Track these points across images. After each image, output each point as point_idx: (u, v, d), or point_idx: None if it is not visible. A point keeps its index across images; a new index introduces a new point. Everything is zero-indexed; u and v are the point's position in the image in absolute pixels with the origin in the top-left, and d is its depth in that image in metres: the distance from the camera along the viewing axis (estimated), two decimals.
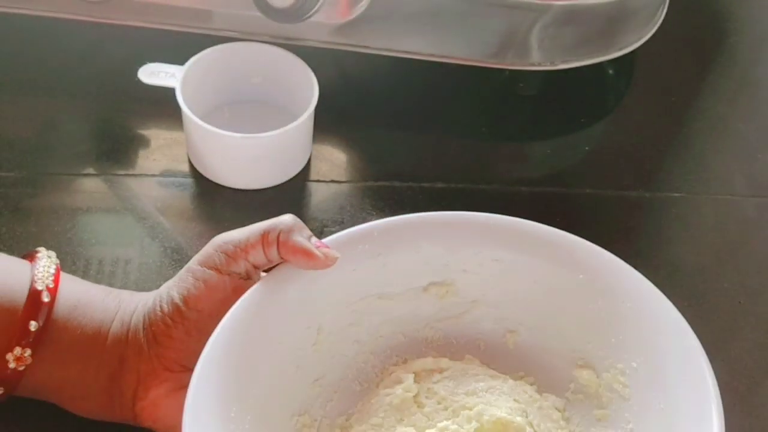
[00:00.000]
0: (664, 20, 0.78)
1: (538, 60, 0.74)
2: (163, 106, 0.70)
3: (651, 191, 0.73)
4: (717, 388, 0.50)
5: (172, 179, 0.71)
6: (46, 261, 0.55)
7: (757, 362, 0.63)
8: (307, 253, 0.53)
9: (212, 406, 0.49)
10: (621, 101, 0.82)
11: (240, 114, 0.74)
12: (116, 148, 0.72)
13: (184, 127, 0.71)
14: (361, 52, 0.74)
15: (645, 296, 0.54)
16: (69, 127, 0.74)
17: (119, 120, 0.75)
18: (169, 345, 0.53)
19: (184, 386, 0.51)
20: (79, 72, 0.77)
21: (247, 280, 0.54)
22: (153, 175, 0.71)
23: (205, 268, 0.53)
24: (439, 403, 0.55)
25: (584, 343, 0.56)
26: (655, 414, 0.52)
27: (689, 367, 0.51)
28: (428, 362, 0.58)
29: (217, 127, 0.67)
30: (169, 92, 0.68)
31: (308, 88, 0.70)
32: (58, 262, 0.55)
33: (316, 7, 0.69)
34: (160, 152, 0.73)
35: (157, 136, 0.74)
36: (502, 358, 0.58)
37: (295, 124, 0.68)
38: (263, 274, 0.55)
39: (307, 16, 0.69)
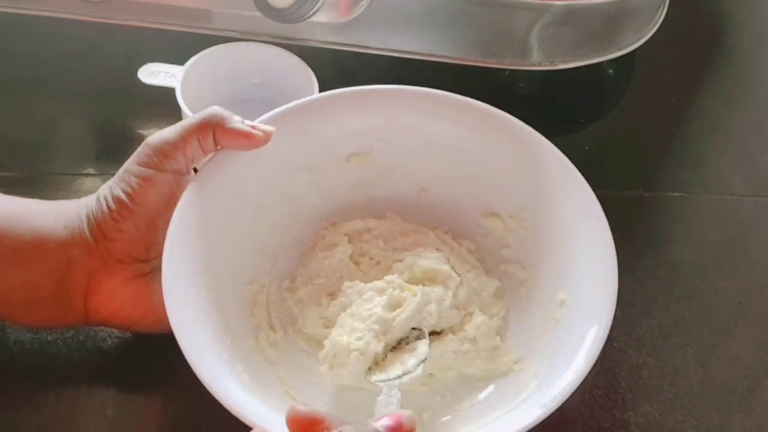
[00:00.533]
0: (663, 20, 0.78)
1: (537, 60, 0.74)
2: (163, 106, 0.70)
3: (650, 191, 0.73)
4: (608, 235, 0.56)
5: None
6: None
7: (756, 362, 0.63)
8: (246, 135, 0.58)
9: (184, 283, 0.54)
10: (620, 101, 0.82)
11: (240, 114, 0.73)
12: (116, 148, 0.72)
13: None
14: (361, 52, 0.74)
15: (549, 158, 0.61)
16: (69, 127, 0.74)
17: (119, 120, 0.75)
18: (118, 238, 0.55)
19: (137, 275, 0.56)
20: (79, 72, 0.77)
21: (186, 175, 0.58)
22: None
23: (144, 168, 0.56)
24: (372, 259, 0.63)
25: (490, 196, 0.63)
26: (556, 246, 0.59)
27: (585, 211, 0.58)
28: (357, 224, 0.64)
29: None
30: (169, 92, 0.68)
31: (308, 88, 0.70)
32: None
33: (316, 7, 0.69)
34: None
35: None
36: (417, 212, 0.65)
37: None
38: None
39: (307, 16, 0.69)
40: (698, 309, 0.66)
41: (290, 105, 0.62)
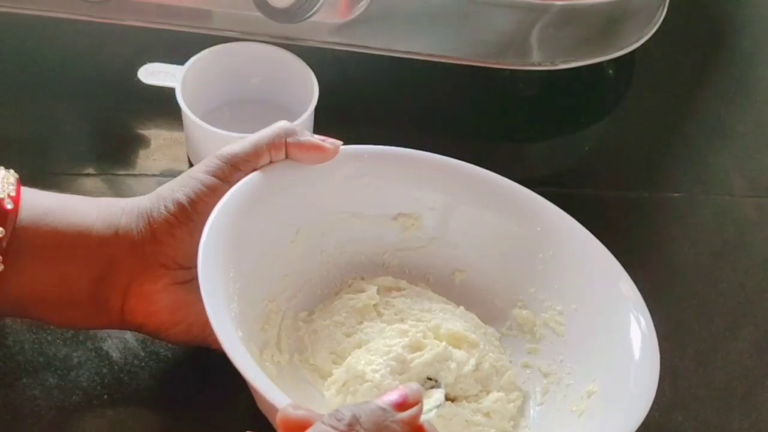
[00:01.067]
0: (663, 21, 0.78)
1: (538, 60, 0.74)
2: (163, 106, 0.70)
3: (650, 191, 0.73)
4: (652, 333, 0.55)
5: (172, 179, 0.71)
6: (3, 173, 0.55)
7: (756, 362, 0.63)
8: (318, 147, 0.58)
9: (219, 263, 0.53)
10: (620, 101, 0.82)
11: (240, 114, 0.74)
12: (116, 148, 0.72)
13: (184, 127, 0.71)
14: (361, 52, 0.74)
15: (588, 248, 0.60)
16: (69, 127, 0.74)
17: (119, 120, 0.75)
18: (169, 243, 0.54)
19: (178, 282, 0.55)
20: (79, 72, 0.77)
21: None
22: (153, 175, 0.71)
23: (211, 177, 0.55)
24: (396, 315, 0.61)
25: (527, 287, 0.61)
26: (586, 349, 0.57)
27: (622, 313, 0.57)
28: (389, 280, 0.63)
29: (217, 127, 0.67)
30: (169, 92, 0.68)
31: (308, 88, 0.70)
32: (17, 176, 0.56)
33: (316, 7, 0.69)
34: (160, 152, 0.73)
35: (157, 136, 0.74)
36: (447, 292, 0.63)
37: (294, 123, 0.68)
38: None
39: (307, 16, 0.69)
40: (698, 310, 0.66)
41: (359, 147, 0.62)
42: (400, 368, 0.55)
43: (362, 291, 0.62)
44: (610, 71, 0.82)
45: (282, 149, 0.57)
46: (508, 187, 0.63)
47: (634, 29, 0.76)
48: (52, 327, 0.59)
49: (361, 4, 0.71)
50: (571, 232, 0.60)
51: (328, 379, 0.57)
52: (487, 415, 0.57)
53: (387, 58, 0.74)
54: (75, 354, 0.59)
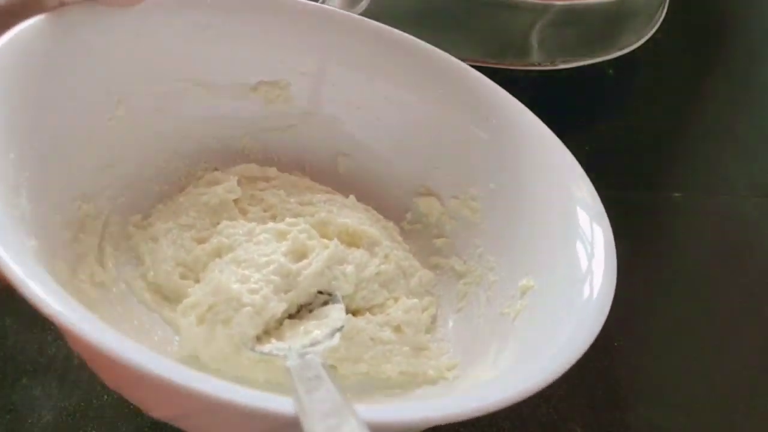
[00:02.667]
0: (663, 21, 0.78)
1: (538, 60, 0.74)
2: None
3: (651, 191, 0.73)
4: (601, 212, 0.44)
5: None
6: None
7: (758, 363, 0.63)
8: None
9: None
10: (621, 101, 0.81)
11: None
12: None
13: None
14: None
15: (516, 119, 0.48)
16: None
17: None
18: None
19: None
20: None
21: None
22: None
23: None
24: (266, 211, 0.47)
25: (431, 169, 0.49)
26: (513, 237, 0.45)
27: (559, 186, 0.44)
28: (252, 168, 0.49)
29: None
30: None
31: None
32: None
33: None
34: None
35: None
36: (329, 183, 0.50)
37: None
38: None
39: None
40: (700, 310, 0.65)
41: None
42: (285, 284, 0.42)
43: (217, 183, 0.47)
44: (611, 71, 0.82)
45: None
46: (405, 43, 0.50)
47: (634, 29, 0.76)
48: (53, 327, 0.59)
49: (361, 4, 0.71)
50: (493, 99, 0.49)
51: (184, 301, 0.43)
52: (397, 329, 0.45)
53: None
54: (75, 354, 0.59)
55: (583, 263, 0.41)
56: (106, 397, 0.57)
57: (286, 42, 0.47)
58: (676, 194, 0.73)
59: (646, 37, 0.77)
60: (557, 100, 0.81)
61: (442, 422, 0.33)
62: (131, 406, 0.58)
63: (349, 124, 0.50)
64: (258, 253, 0.43)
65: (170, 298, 0.44)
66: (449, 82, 0.49)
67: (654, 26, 0.78)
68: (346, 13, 0.49)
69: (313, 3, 0.48)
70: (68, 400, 0.57)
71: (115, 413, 0.57)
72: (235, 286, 0.41)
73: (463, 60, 0.75)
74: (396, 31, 0.50)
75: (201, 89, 0.47)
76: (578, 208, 0.44)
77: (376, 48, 0.49)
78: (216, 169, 0.49)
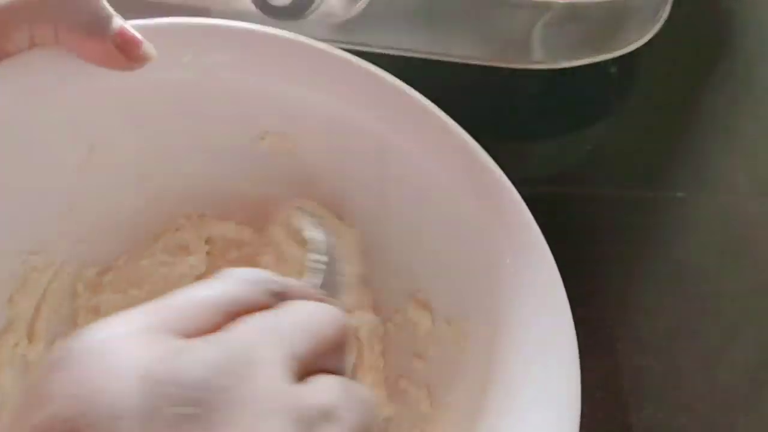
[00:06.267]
0: (666, 19, 0.78)
1: (539, 59, 0.73)
2: None
3: (653, 191, 0.73)
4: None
5: None
6: None
7: (760, 362, 0.63)
8: (130, 44, 0.38)
9: None
10: (623, 100, 0.81)
11: None
12: None
13: None
14: (361, 50, 0.73)
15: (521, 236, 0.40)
16: None
17: None
18: None
19: None
20: None
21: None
22: None
23: None
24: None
25: (430, 276, 0.42)
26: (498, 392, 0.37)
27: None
28: (228, 228, 0.44)
29: None
30: None
31: None
32: None
33: (314, 6, 0.68)
34: None
35: None
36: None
37: None
38: None
39: (306, 14, 0.69)
40: (702, 310, 0.65)
41: (188, 20, 0.41)
42: None
43: (186, 249, 0.42)
44: (613, 70, 0.81)
45: (49, 24, 0.36)
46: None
47: (637, 27, 0.76)
48: None
49: (361, 2, 0.71)
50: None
51: None
52: None
53: (386, 56, 0.73)
54: None
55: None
56: None
57: (296, 87, 0.42)
58: (678, 193, 0.73)
59: (649, 36, 0.77)
60: (559, 99, 0.81)
61: None
62: None
63: (346, 182, 0.43)
64: None
65: None
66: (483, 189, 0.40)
67: (657, 24, 0.77)
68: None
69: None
70: None
71: None
72: None
73: (463, 58, 0.75)
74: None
75: (192, 123, 0.43)
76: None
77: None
78: (199, 217, 0.44)
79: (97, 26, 0.37)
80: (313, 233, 0.36)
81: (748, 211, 0.72)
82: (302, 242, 0.37)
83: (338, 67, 0.44)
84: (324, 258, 0.33)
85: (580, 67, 0.74)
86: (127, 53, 0.38)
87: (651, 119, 0.79)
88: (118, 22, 0.38)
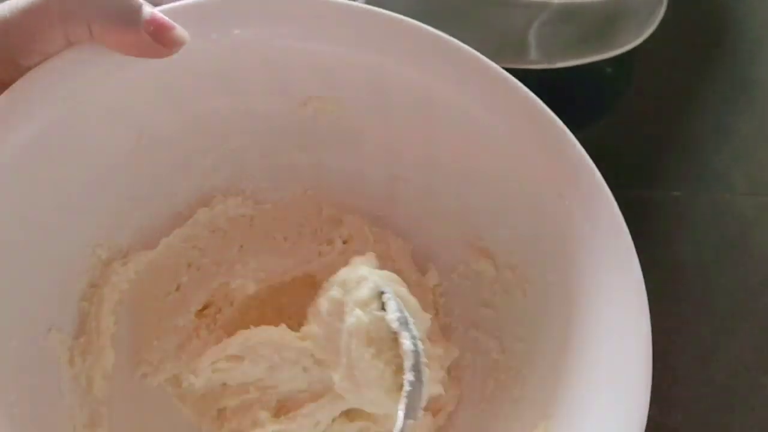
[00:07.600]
0: (663, 19, 0.78)
1: (535, 59, 0.73)
2: None
3: (650, 190, 0.73)
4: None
5: None
6: None
7: (757, 361, 0.63)
8: (162, 30, 0.37)
9: None
10: (620, 100, 0.81)
11: None
12: None
13: None
14: None
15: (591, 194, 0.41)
16: None
17: None
18: None
19: None
20: None
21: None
22: None
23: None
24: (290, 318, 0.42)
25: (492, 227, 0.41)
26: (565, 347, 0.38)
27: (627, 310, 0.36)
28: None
29: None
30: None
31: None
32: None
33: None
34: None
35: None
36: (378, 205, 0.45)
37: None
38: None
39: None
40: (699, 309, 0.65)
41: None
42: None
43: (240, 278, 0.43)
44: (609, 70, 0.81)
45: (82, 22, 0.36)
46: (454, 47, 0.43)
47: (633, 28, 0.76)
48: None
49: (360, 2, 0.71)
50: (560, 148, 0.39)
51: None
52: None
53: None
54: None
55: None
56: None
57: (332, 47, 0.41)
58: (675, 192, 0.73)
59: (645, 36, 0.77)
60: (555, 99, 0.80)
61: None
62: None
63: (407, 138, 0.43)
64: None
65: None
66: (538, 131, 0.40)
67: (653, 24, 0.77)
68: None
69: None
70: None
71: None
72: None
73: None
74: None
75: (230, 96, 0.42)
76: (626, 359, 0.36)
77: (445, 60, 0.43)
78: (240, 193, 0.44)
79: (130, 18, 0.37)
80: (407, 342, 0.37)
81: (744, 209, 0.72)
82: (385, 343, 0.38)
83: (369, 20, 0.43)
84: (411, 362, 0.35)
85: (576, 66, 0.74)
86: (160, 39, 0.37)
87: (647, 119, 0.79)
88: (148, 10, 0.38)
